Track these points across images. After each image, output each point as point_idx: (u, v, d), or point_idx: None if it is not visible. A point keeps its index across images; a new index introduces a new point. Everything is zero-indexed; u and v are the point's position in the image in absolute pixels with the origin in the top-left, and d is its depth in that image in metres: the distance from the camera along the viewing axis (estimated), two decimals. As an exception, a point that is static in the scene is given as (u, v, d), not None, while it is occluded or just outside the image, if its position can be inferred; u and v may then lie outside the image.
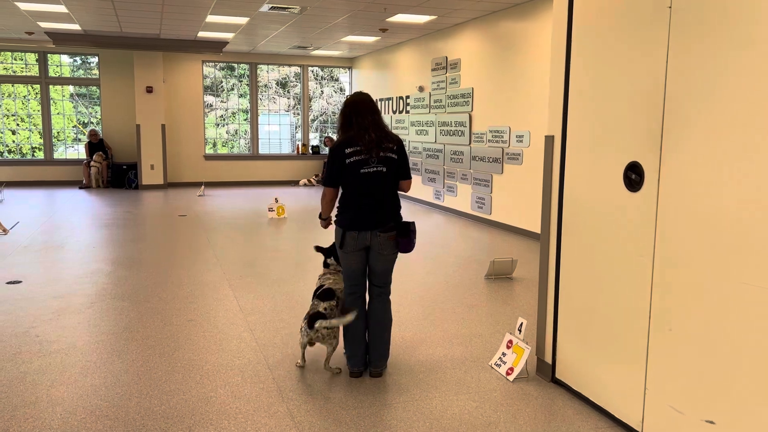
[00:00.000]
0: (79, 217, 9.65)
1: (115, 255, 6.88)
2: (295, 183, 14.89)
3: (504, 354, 3.78)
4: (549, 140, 3.52)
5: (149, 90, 13.19)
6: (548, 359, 3.60)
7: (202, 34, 11.37)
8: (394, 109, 12.50)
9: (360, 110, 3.49)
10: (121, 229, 8.58)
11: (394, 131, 12.25)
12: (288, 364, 3.81)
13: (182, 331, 4.41)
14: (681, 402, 2.66)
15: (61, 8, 9.11)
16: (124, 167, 13.50)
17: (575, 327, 3.36)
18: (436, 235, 8.41)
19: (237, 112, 15.13)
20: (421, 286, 5.74)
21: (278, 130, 15.66)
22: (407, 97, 11.85)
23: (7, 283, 5.61)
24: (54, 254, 6.89)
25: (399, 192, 3.64)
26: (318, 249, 4.03)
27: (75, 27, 10.80)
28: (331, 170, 3.48)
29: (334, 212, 3.65)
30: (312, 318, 3.56)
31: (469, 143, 9.57)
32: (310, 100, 15.61)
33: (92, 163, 13.34)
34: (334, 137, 9.83)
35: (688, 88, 2.59)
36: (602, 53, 3.10)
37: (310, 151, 15.38)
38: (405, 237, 3.55)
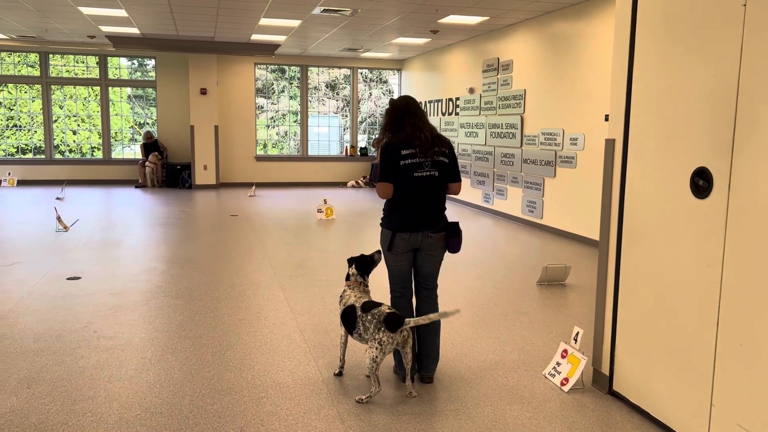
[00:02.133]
0: (135, 215, 9.93)
1: (169, 253, 7.04)
2: (343, 185, 14.96)
3: (558, 363, 3.67)
4: (609, 144, 3.41)
5: (203, 92, 13.48)
6: (605, 370, 3.48)
7: (255, 36, 11.55)
8: (444, 111, 12.41)
9: (413, 111, 3.51)
10: (175, 228, 8.78)
11: (443, 133, 12.21)
12: (335, 368, 3.79)
13: (234, 330, 4.45)
14: (750, 421, 2.51)
15: (122, 12, 9.40)
16: (178, 167, 13.84)
17: (636, 338, 3.23)
18: (484, 239, 8.30)
19: (287, 114, 15.31)
20: (470, 290, 5.66)
21: (326, 132, 15.78)
22: (457, 98, 11.75)
23: (68, 279, 5.80)
24: (111, 251, 7.09)
25: (447, 195, 3.65)
26: (351, 261, 3.76)
27: (134, 31, 11.12)
28: (385, 168, 3.44)
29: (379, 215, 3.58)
30: (391, 321, 3.21)
31: (521, 146, 9.41)
32: (359, 102, 15.66)
33: (147, 163, 13.72)
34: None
35: (764, 89, 2.45)
36: (667, 54, 2.98)
37: (359, 153, 15.43)
38: (455, 237, 3.54)
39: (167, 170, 13.92)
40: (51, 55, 13.85)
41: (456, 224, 3.57)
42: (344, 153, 15.51)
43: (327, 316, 4.82)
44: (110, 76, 14.39)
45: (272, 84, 15.35)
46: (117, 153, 14.66)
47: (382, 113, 4.07)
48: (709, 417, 2.74)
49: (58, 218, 8.33)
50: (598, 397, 3.44)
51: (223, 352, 4.02)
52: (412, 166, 3.41)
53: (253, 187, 13.22)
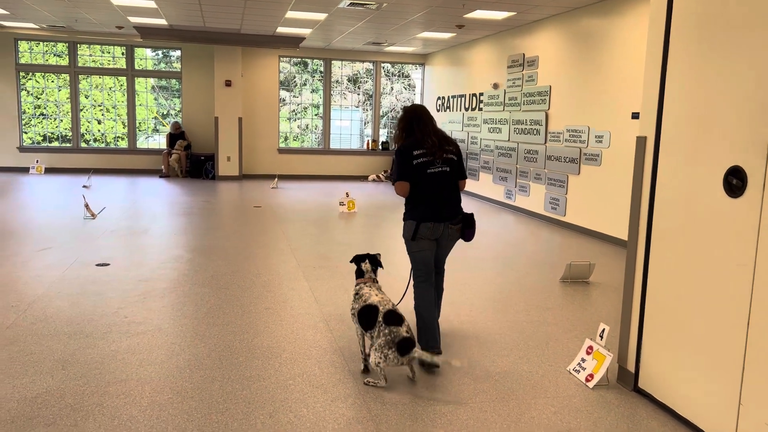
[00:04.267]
0: (160, 204, 10.07)
1: (194, 242, 7.14)
2: (364, 178, 15.01)
3: (583, 360, 3.68)
4: (641, 141, 3.40)
5: (228, 84, 13.59)
6: (631, 368, 3.48)
7: (280, 29, 11.61)
8: (467, 106, 12.39)
9: (421, 119, 3.92)
10: (200, 217, 8.89)
11: (466, 128, 12.23)
12: (361, 359, 3.84)
13: (260, 318, 4.52)
14: (781, 421, 2.51)
15: (151, 3, 9.51)
16: (202, 158, 13.98)
17: (663, 336, 3.23)
18: (507, 236, 8.29)
19: (308, 107, 15.38)
20: (493, 286, 5.67)
21: (347, 126, 15.82)
22: (480, 94, 11.72)
23: (97, 265, 5.91)
24: (138, 239, 7.21)
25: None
26: (353, 260, 3.97)
27: (161, 22, 11.25)
28: (401, 168, 3.82)
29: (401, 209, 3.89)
30: (403, 345, 3.36)
31: (545, 142, 9.37)
32: (380, 96, 15.67)
33: (173, 151, 13.89)
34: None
35: (802, 89, 2.43)
36: (703, 52, 2.96)
37: (380, 147, 15.46)
38: (470, 228, 3.92)
39: (191, 161, 14.08)
40: (79, 45, 14.05)
41: (471, 215, 3.94)
42: (365, 147, 15.55)
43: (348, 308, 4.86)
44: (136, 66, 14.55)
45: (294, 77, 15.43)
46: (141, 143, 14.85)
47: (402, 108, 4.40)
48: (737, 416, 2.74)
49: (86, 206, 8.48)
50: (623, 394, 3.44)
51: (251, 339, 4.09)
52: (424, 164, 3.79)
53: (276, 179, 13.32)
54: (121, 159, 14.43)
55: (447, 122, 13.38)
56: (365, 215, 9.53)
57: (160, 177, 13.85)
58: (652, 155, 3.32)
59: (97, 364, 3.61)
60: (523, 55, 10.05)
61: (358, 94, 16.19)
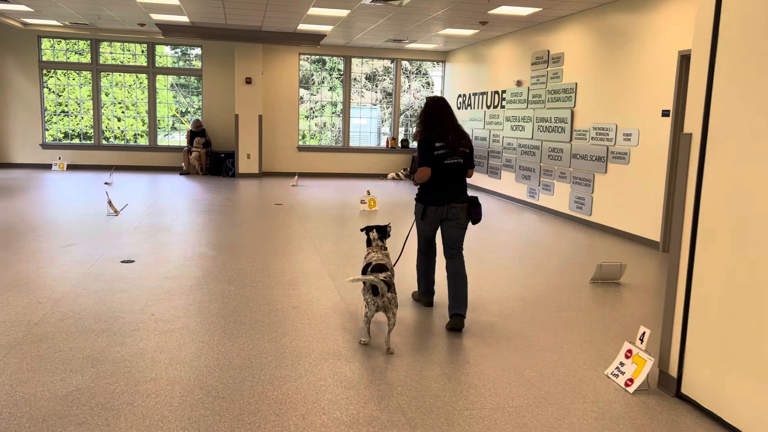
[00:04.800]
0: (181, 201, 10.07)
1: (218, 240, 7.10)
2: (383, 176, 14.93)
3: (622, 363, 3.57)
4: (686, 138, 3.28)
5: (248, 81, 13.58)
6: (673, 373, 3.37)
7: (301, 26, 11.56)
8: (489, 103, 12.25)
9: (440, 115, 4.43)
10: (221, 215, 8.87)
11: (488, 126, 12.11)
12: (394, 358, 3.76)
13: (288, 317, 4.46)
14: (842, 432, 2.39)
15: (173, 0, 9.50)
16: (222, 155, 13.99)
17: (709, 341, 3.12)
18: (532, 235, 8.16)
19: (326, 105, 15.33)
20: (522, 287, 5.57)
21: (365, 124, 15.75)
22: (503, 91, 11.58)
23: (122, 262, 5.89)
24: (161, 236, 7.19)
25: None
26: (363, 229, 4.73)
27: (183, 19, 11.25)
28: (424, 157, 4.37)
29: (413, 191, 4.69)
30: (375, 288, 3.88)
31: (570, 140, 9.23)
32: (400, 94, 15.57)
33: (193, 148, 13.91)
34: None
35: None
36: (758, 45, 2.84)
37: (399, 145, 15.37)
38: (476, 207, 4.41)
39: (211, 158, 14.09)
40: (100, 43, 14.11)
41: (476, 198, 4.45)
42: (385, 145, 15.46)
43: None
44: (156, 64, 14.58)
45: (312, 75, 15.38)
46: (160, 140, 14.88)
47: (421, 106, 5.01)
48: (792, 425, 2.62)
49: (109, 203, 8.49)
50: (665, 400, 3.33)
51: (279, 338, 4.03)
52: (443, 156, 4.34)
53: (296, 176, 13.28)
54: (141, 156, 14.49)
55: (468, 120, 13.26)
56: (386, 213, 9.45)
57: (181, 174, 13.88)
58: (698, 153, 3.20)
59: (126, 362, 3.57)
60: (548, 51, 9.90)
61: (376, 92, 16.12)
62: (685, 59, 6.96)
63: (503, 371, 3.64)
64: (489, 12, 9.34)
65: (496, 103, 11.93)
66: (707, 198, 3.14)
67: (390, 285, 3.89)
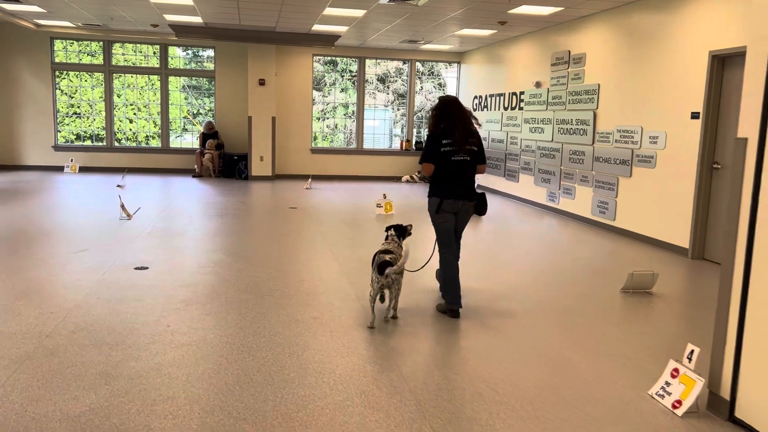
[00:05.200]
0: (194, 205, 9.91)
1: (232, 245, 6.92)
2: (397, 179, 14.73)
3: (668, 383, 3.34)
4: (740, 143, 3.05)
5: (261, 83, 13.42)
6: (725, 395, 3.14)
7: (316, 27, 11.39)
8: (506, 105, 12.02)
9: (450, 113, 4.61)
10: (236, 219, 8.70)
11: (505, 128, 11.87)
12: (423, 375, 3.56)
13: (309, 329, 4.27)
14: None
15: (187, 1, 9.35)
16: (235, 158, 13.83)
17: (766, 361, 2.89)
18: (555, 241, 7.93)
19: (337, 107, 15.14)
20: (550, 296, 5.34)
21: (377, 125, 15.56)
22: (521, 93, 11.35)
23: (135, 268, 5.72)
24: (175, 241, 7.02)
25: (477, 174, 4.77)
26: (389, 228, 4.89)
27: (197, 20, 11.10)
28: (429, 152, 4.58)
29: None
30: (380, 266, 4.23)
31: (592, 143, 8.98)
32: (414, 95, 15.38)
33: (206, 150, 13.76)
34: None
35: None
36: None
37: (414, 147, 15.16)
38: (483, 205, 4.72)
39: (224, 161, 13.94)
40: (113, 44, 14.01)
41: (483, 195, 4.75)
42: (399, 147, 15.26)
43: (405, 318, 4.59)
44: (169, 66, 14.46)
45: (323, 77, 15.22)
46: (172, 143, 14.74)
47: (438, 98, 5.03)
48: None
49: (122, 206, 8.35)
50: (717, 424, 3.10)
51: (301, 353, 3.83)
52: (450, 152, 4.54)
53: (310, 179, 13.09)
54: (154, 158, 14.36)
55: (485, 121, 13.03)
56: (403, 217, 9.22)
57: (193, 177, 13.74)
58: (754, 159, 2.98)
59: (141, 378, 3.38)
60: (569, 52, 9.67)
61: (388, 94, 15.94)
62: (716, 59, 6.71)
63: (540, 390, 3.42)
64: (509, 12, 9.12)
65: (513, 105, 11.69)
66: (766, 207, 2.92)
67: (393, 263, 4.23)
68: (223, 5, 9.64)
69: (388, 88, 16.02)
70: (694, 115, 6.96)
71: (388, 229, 4.88)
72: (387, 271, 4.20)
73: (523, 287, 5.58)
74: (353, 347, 3.97)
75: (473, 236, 8.05)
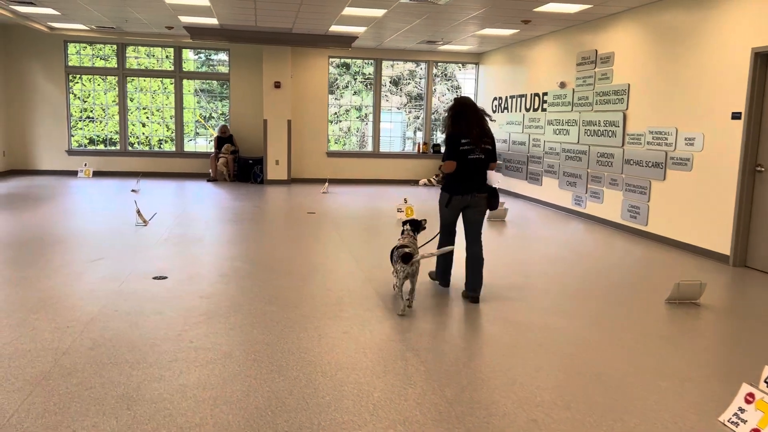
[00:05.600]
0: (211, 210, 9.69)
1: (253, 253, 6.67)
2: (414, 182, 14.45)
3: (741, 410, 3.04)
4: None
5: (277, 85, 13.20)
6: (809, 423, 2.83)
7: (334, 28, 11.15)
8: (528, 106, 11.72)
9: (466, 114, 4.96)
10: (254, 224, 8.46)
11: (527, 130, 11.58)
12: (469, 398, 3.28)
13: (340, 345, 4.00)
14: None
15: (204, 2, 9.14)
16: (250, 162, 13.61)
17: None
18: (584, 246, 7.62)
19: (350, 110, 14.88)
20: (590, 308, 5.04)
21: (392, 128, 15.29)
22: (544, 93, 11.05)
23: (154, 278, 5.48)
24: (193, 248, 6.79)
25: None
26: (405, 223, 5.33)
27: (212, 21, 10.89)
28: (450, 150, 4.96)
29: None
30: (405, 256, 4.63)
31: (622, 145, 8.66)
32: (432, 98, 15.11)
33: (220, 155, 13.56)
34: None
35: None
36: None
37: (431, 150, 14.88)
38: (495, 197, 5.07)
39: (239, 164, 13.72)
40: (127, 47, 13.84)
41: (495, 189, 5.10)
42: (416, 150, 14.99)
43: (439, 332, 4.31)
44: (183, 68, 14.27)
45: (336, 79, 14.98)
46: (186, 147, 14.54)
47: (446, 109, 5.65)
48: None
49: (138, 212, 8.13)
50: (801, 456, 2.80)
51: (334, 373, 3.56)
52: (467, 151, 4.91)
53: (326, 183, 12.83)
54: (168, 162, 14.17)
55: (505, 123, 12.74)
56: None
57: (208, 181, 13.53)
58: None
59: (166, 402, 3.13)
60: (596, 51, 9.35)
61: (401, 96, 15.68)
62: (759, 57, 6.38)
63: (601, 417, 3.13)
64: (535, 9, 8.82)
65: (536, 106, 11.39)
66: None
67: (414, 254, 4.70)
68: (240, 5, 9.42)
69: (401, 90, 15.78)
70: (735, 116, 6.64)
71: (404, 224, 5.30)
72: (413, 259, 4.64)
73: (561, 298, 5.28)
74: (389, 366, 3.69)
75: (500, 242, 7.76)
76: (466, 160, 4.89)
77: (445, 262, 5.35)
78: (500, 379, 3.58)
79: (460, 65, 14.84)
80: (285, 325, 4.34)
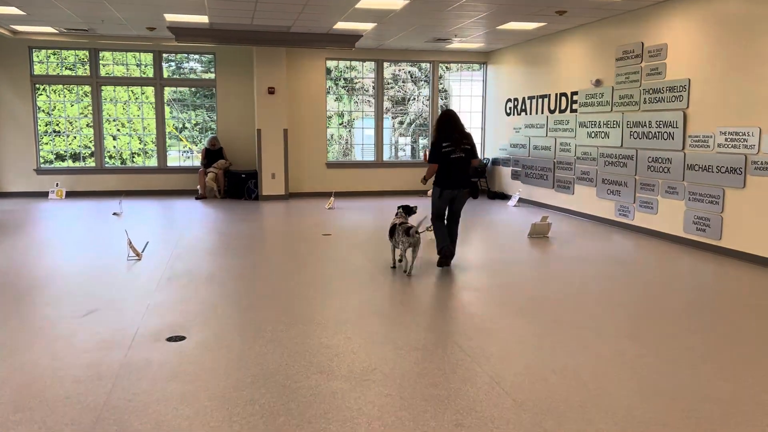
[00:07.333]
0: (209, 235, 8.42)
1: (282, 297, 5.43)
2: (423, 193, 13.29)
3: None
4: None
5: (271, 91, 11.95)
6: None
7: (339, 24, 9.96)
8: (552, 107, 10.69)
9: (448, 125, 6.19)
10: (269, 252, 7.25)
11: (552, 133, 10.57)
12: (504, 414, 2.14)
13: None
14: None
15: (197, -5, 7.89)
16: (243, 176, 12.31)
17: None
18: (645, 265, 6.58)
19: (332, 116, 13.69)
20: (689, 348, 3.95)
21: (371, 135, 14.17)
22: (573, 93, 10.03)
23: (168, 339, 4.23)
24: (205, 291, 5.53)
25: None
26: (399, 207, 6.45)
27: (202, 19, 9.61)
28: (434, 154, 6.14)
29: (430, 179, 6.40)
30: (408, 229, 5.77)
31: (682, 148, 7.66)
32: (409, 102, 14.06)
33: (210, 170, 12.23)
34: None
35: None
36: None
37: (438, 157, 13.76)
38: (475, 190, 6.51)
39: (230, 179, 12.41)
40: (101, 53, 12.43)
41: (475, 183, 7.75)
42: (423, 158, 13.85)
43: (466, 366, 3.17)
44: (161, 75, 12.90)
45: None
46: (153, 161, 13.05)
47: (441, 110, 6.76)
48: None
49: (130, 244, 6.83)
50: None
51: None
52: (449, 152, 6.07)
53: (332, 198, 11.58)
54: (149, 179, 12.78)
55: (523, 126, 11.71)
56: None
57: (196, 198, 12.18)
58: None
59: None
60: (642, 44, 8.36)
61: (385, 101, 14.60)
62: None
63: None
64: (576, -2, 7.79)
65: (563, 107, 10.37)
66: None
67: (412, 227, 5.82)
68: (238, 2, 8.19)
69: (384, 95, 14.68)
70: None
71: (398, 208, 6.41)
72: (412, 231, 5.77)
73: (644, 330, 4.19)
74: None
75: (545, 261, 6.64)
76: (449, 159, 6.07)
77: (443, 235, 6.27)
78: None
79: (479, 65, 13.69)
80: (356, 409, 3.15)
